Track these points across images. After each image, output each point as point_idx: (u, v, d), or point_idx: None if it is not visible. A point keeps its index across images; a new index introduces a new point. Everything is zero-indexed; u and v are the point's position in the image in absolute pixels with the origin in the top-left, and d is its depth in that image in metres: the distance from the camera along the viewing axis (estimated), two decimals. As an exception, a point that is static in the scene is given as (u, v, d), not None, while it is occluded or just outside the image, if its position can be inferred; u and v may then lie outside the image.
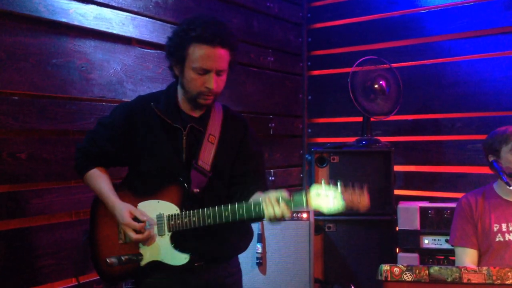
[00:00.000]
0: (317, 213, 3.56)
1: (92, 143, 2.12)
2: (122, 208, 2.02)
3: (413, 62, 4.07)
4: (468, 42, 3.80)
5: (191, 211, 1.98)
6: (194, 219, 1.97)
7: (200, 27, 1.95)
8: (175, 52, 2.01)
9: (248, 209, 1.91)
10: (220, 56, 1.97)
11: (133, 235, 1.99)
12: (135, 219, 2.01)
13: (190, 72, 1.99)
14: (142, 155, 2.08)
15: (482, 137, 2.92)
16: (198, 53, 1.95)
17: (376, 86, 3.67)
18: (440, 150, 3.94)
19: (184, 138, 2.05)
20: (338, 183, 1.87)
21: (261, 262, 3.16)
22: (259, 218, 1.93)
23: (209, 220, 1.95)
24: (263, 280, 3.19)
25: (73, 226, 2.70)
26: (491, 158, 2.66)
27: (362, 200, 1.87)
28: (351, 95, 3.69)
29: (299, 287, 3.21)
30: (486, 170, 2.88)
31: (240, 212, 1.92)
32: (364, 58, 3.73)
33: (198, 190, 2.03)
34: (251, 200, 1.94)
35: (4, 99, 2.40)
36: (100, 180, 2.12)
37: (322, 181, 1.89)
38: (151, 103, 2.08)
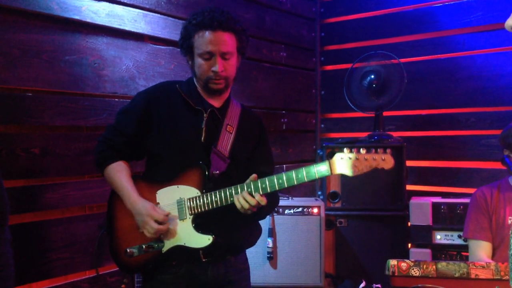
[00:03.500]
0: (328, 208, 3.58)
1: (115, 132, 2.13)
2: (144, 202, 2.05)
3: (426, 57, 4.03)
4: (482, 36, 3.75)
5: (212, 192, 2.01)
6: (216, 199, 2.00)
7: (201, 15, 2.05)
8: (184, 43, 2.11)
9: (271, 180, 1.96)
10: (223, 39, 2.04)
11: (155, 225, 2.00)
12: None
13: (198, 59, 2.08)
14: (162, 133, 2.10)
15: (496, 132, 2.89)
16: (201, 38, 2.04)
17: (370, 82, 3.70)
18: (453, 145, 3.91)
19: (205, 119, 2.10)
20: (360, 148, 1.91)
21: (271, 257, 3.18)
22: (280, 190, 2.01)
23: (231, 199, 1.99)
24: (274, 274, 3.21)
25: (87, 220, 2.75)
26: (505, 152, 2.64)
27: (386, 157, 1.89)
28: (344, 91, 3.80)
29: (310, 282, 3.21)
30: (499, 165, 2.85)
31: (263, 186, 1.97)
32: (366, 54, 3.80)
33: (218, 172, 2.07)
34: (273, 176, 1.99)
35: (18, 95, 2.45)
36: (122, 174, 2.11)
37: (344, 148, 1.92)
38: (176, 85, 2.16)
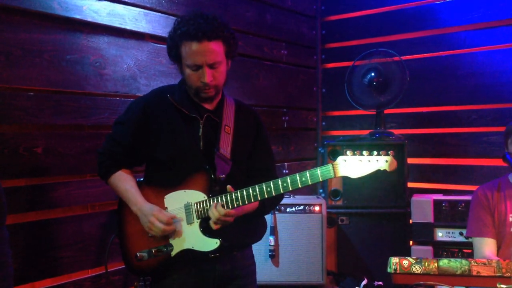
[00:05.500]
0: (330, 206, 3.59)
1: (113, 143, 2.16)
2: (151, 206, 2.07)
3: (428, 54, 4.03)
4: (483, 33, 3.75)
5: (219, 196, 2.02)
6: (222, 203, 2.01)
7: (185, 24, 2.00)
8: (171, 52, 2.10)
9: (276, 184, 1.98)
10: (209, 50, 2.00)
11: (162, 226, 2.02)
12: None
13: (186, 69, 2.06)
14: (161, 145, 2.12)
15: (498, 129, 2.89)
16: (188, 50, 2.01)
17: (371, 79, 3.71)
18: (455, 142, 3.91)
19: (201, 126, 2.10)
20: (363, 151, 1.94)
21: (273, 255, 3.19)
22: (285, 193, 2.03)
23: (237, 202, 2.00)
24: (276, 272, 3.22)
25: (89, 218, 2.76)
26: (506, 150, 2.64)
27: (389, 159, 1.93)
28: (346, 89, 3.83)
29: (311, 279, 3.22)
30: (501, 162, 2.85)
31: (268, 190, 1.98)
32: (367, 51, 3.81)
33: (223, 176, 2.08)
34: (277, 179, 1.99)
35: (20, 95, 2.46)
36: (125, 181, 2.14)
37: (347, 151, 1.94)
38: (167, 95, 2.14)
